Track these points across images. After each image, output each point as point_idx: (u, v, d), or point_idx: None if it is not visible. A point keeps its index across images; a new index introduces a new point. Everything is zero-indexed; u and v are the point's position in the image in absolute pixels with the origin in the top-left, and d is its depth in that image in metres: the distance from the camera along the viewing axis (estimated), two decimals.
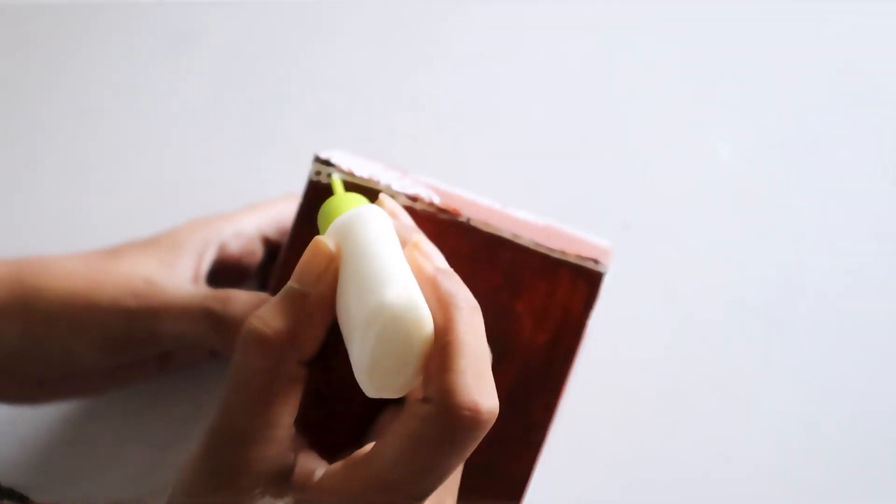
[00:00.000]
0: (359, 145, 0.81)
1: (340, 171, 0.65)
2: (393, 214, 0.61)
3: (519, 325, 0.65)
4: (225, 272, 0.74)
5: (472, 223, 0.64)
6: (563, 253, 0.64)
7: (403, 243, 0.57)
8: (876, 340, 0.82)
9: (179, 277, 0.70)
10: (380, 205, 0.62)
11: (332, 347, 0.61)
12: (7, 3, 0.84)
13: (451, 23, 0.86)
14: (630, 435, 0.81)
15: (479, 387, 0.53)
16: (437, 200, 0.65)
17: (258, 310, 0.57)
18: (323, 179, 0.65)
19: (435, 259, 0.57)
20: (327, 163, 0.65)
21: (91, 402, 0.79)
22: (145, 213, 0.82)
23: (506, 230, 0.64)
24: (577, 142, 0.84)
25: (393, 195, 0.64)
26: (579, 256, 0.64)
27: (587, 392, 0.79)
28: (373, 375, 0.54)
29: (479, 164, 0.84)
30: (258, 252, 0.75)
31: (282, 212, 0.76)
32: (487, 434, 0.62)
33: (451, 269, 0.57)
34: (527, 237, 0.64)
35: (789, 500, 0.80)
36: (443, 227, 0.64)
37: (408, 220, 0.62)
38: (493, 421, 0.54)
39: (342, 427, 0.65)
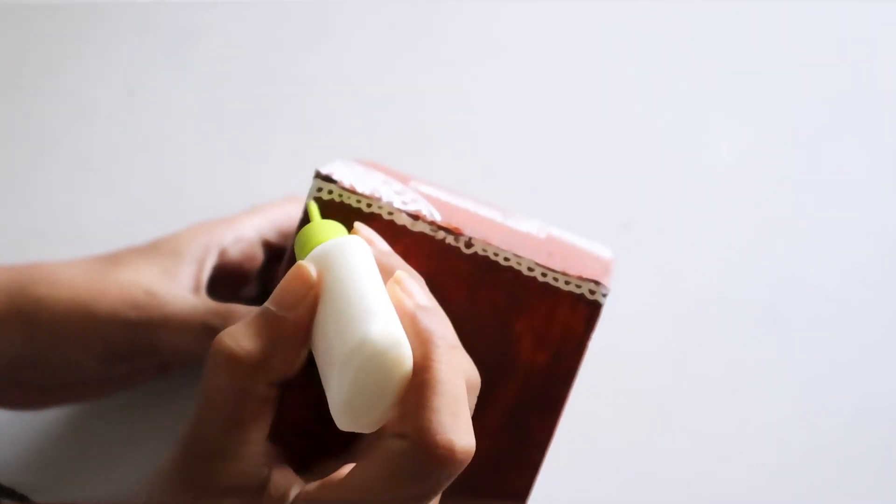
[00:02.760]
0: (359, 146, 0.81)
1: (342, 188, 0.64)
2: (370, 241, 0.61)
3: (519, 344, 0.64)
4: (226, 277, 0.74)
5: (473, 242, 0.64)
6: (564, 274, 0.64)
7: (385, 274, 0.58)
8: (876, 339, 0.82)
9: (180, 287, 0.70)
10: (355, 232, 0.62)
11: (310, 365, 0.62)
12: (7, 3, 0.83)
13: (450, 25, 0.86)
14: (629, 433, 0.81)
15: (455, 425, 0.54)
16: (437, 217, 0.65)
17: (230, 327, 0.57)
18: (324, 196, 0.65)
19: (416, 295, 0.58)
20: (328, 179, 0.65)
21: (91, 402, 0.79)
22: (145, 213, 0.82)
23: (507, 251, 0.64)
24: (578, 142, 0.84)
25: (392, 212, 0.64)
26: (581, 278, 0.64)
27: (586, 391, 0.79)
28: (348, 409, 0.55)
29: (480, 165, 0.84)
30: (259, 256, 0.75)
31: (283, 215, 0.75)
32: (487, 453, 0.62)
33: (433, 305, 0.58)
34: (528, 257, 0.64)
35: (789, 499, 0.80)
36: (444, 249, 0.64)
37: (384, 246, 0.62)
38: (469, 460, 0.54)
39: (320, 441, 0.66)
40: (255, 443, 0.58)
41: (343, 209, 0.65)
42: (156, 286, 0.69)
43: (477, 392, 0.60)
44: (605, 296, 0.64)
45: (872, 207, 0.84)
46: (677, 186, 0.84)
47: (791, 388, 0.81)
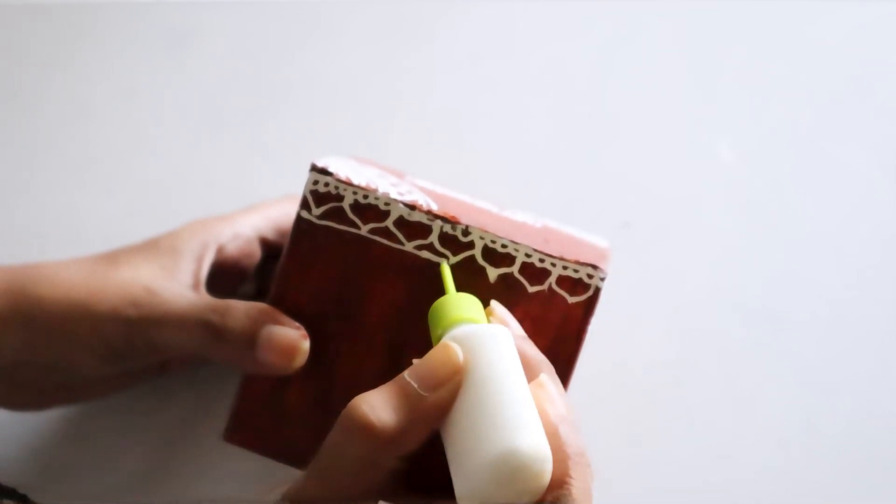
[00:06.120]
0: (356, 145, 0.81)
1: (338, 180, 0.64)
2: (504, 323, 0.61)
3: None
4: (223, 274, 0.74)
5: (470, 230, 0.64)
6: (561, 259, 0.64)
7: (525, 367, 0.58)
8: (877, 341, 0.82)
9: (180, 284, 0.69)
10: (490, 313, 0.62)
11: (312, 359, 0.63)
12: (7, 3, 0.83)
13: (449, 23, 0.86)
14: (628, 433, 0.81)
15: None
16: (434, 207, 0.65)
17: (368, 395, 0.56)
18: (321, 188, 0.65)
19: (557, 403, 0.58)
20: (324, 171, 0.65)
21: (91, 402, 0.79)
22: (144, 213, 0.82)
23: (504, 238, 0.64)
24: (578, 141, 0.84)
25: (389, 203, 0.64)
26: (578, 262, 0.64)
27: (585, 391, 0.79)
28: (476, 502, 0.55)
29: (478, 165, 0.84)
30: (256, 254, 0.75)
31: (280, 213, 0.75)
32: None
33: (569, 414, 0.58)
34: (525, 243, 0.64)
35: (789, 499, 0.80)
36: (441, 238, 0.64)
37: (519, 330, 0.62)
38: None
39: (317, 433, 0.66)
40: None
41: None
42: (155, 283, 0.69)
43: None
44: (603, 280, 0.64)
45: (872, 207, 0.84)
46: (677, 185, 0.84)
47: (791, 387, 0.81)
